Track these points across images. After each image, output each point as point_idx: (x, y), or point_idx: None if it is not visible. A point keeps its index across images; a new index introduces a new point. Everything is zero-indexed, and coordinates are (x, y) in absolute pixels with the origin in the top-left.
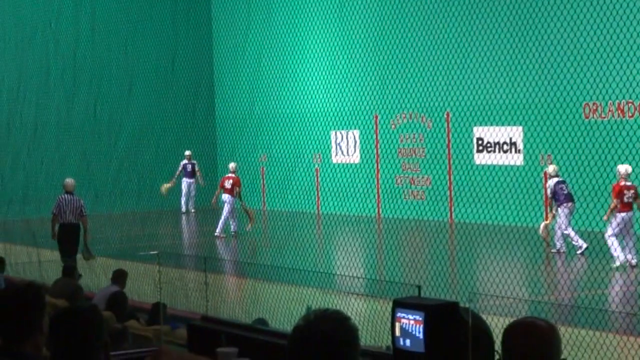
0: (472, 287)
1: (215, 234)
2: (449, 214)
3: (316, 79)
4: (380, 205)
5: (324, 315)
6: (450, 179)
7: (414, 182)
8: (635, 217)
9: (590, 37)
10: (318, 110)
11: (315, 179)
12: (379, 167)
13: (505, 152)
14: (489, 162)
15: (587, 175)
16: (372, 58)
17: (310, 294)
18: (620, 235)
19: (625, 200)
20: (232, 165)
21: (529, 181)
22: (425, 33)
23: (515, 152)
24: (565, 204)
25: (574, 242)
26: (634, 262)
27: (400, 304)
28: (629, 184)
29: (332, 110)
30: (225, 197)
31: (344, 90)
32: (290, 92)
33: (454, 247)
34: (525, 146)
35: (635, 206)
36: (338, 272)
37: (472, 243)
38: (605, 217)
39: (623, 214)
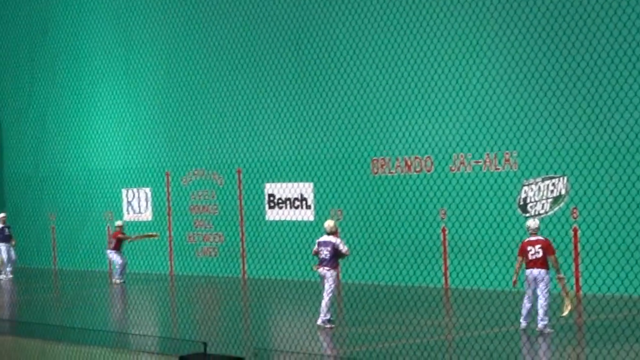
0: (262, 342)
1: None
2: (241, 270)
3: (104, 136)
4: (172, 262)
5: None
6: (242, 235)
7: (206, 238)
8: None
9: (378, 94)
10: (107, 167)
11: (107, 237)
12: (171, 224)
13: (296, 207)
14: (280, 218)
15: (373, 230)
16: (160, 115)
17: (101, 354)
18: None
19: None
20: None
21: (320, 236)
22: (213, 91)
23: (306, 207)
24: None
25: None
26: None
27: None
28: (533, 239)
29: (122, 167)
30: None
31: (134, 147)
32: (78, 151)
33: (246, 302)
34: (315, 201)
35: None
36: (129, 331)
37: (263, 299)
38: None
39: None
